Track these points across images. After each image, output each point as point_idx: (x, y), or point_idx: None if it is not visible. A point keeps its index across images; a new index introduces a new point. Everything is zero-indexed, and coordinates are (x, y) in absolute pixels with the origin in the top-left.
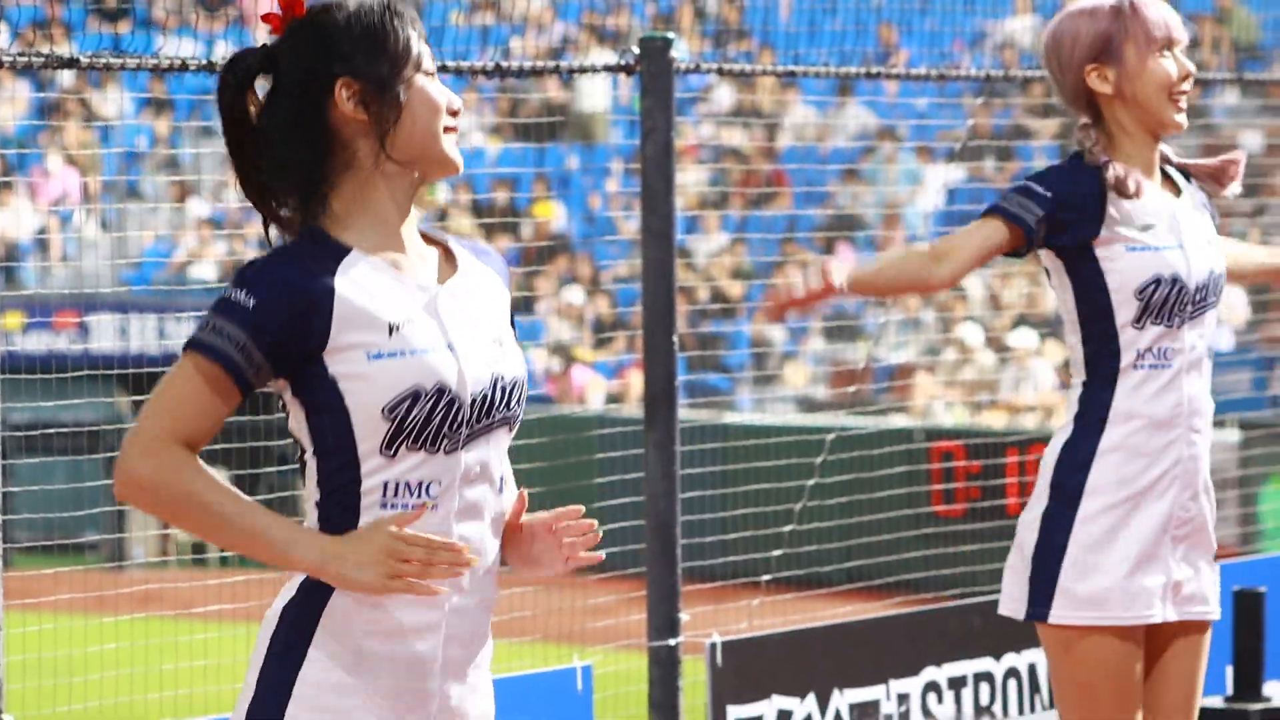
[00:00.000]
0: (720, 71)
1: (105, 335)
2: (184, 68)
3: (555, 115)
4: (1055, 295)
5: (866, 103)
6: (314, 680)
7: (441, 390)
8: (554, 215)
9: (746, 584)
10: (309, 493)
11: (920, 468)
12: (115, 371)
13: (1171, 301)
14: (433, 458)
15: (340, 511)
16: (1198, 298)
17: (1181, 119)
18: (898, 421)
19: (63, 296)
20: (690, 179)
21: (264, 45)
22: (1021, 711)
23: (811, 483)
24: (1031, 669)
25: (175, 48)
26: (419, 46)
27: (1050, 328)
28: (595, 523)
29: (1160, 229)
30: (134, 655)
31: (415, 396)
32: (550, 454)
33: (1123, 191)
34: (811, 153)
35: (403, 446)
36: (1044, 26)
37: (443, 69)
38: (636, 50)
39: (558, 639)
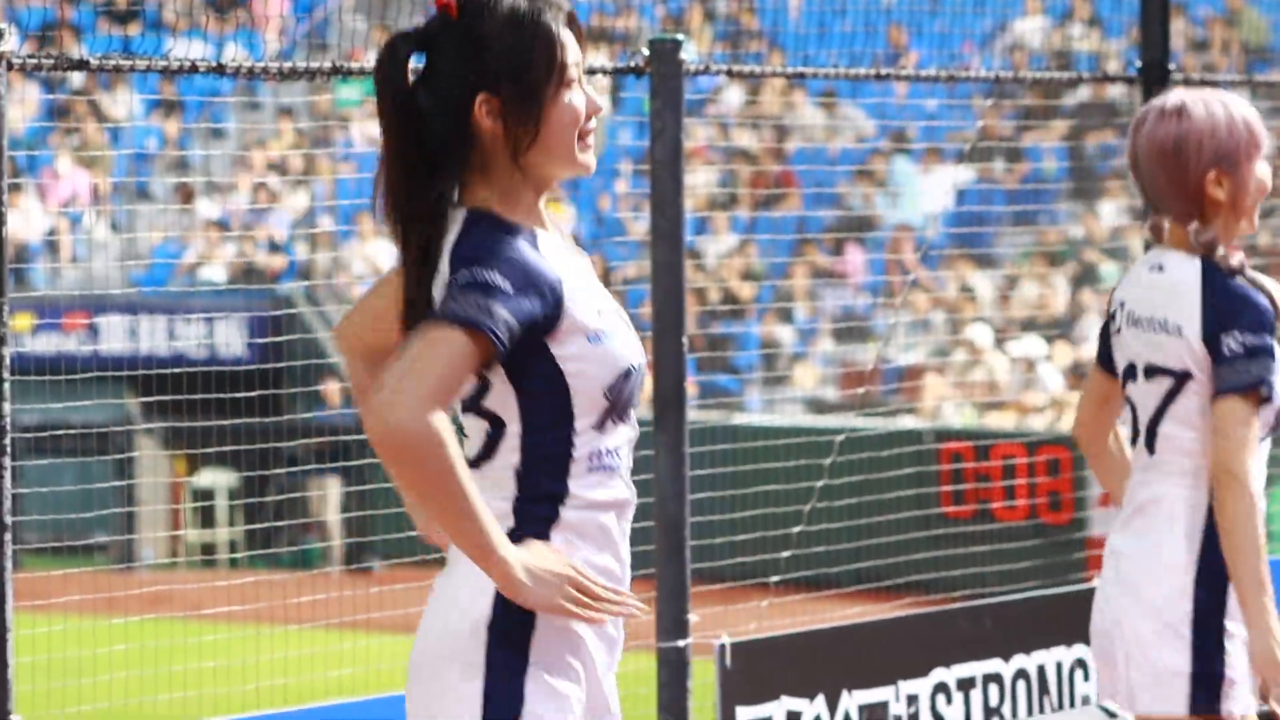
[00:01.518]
0: (729, 73)
1: (115, 336)
2: (194, 70)
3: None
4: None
5: (875, 104)
6: (544, 667)
7: (638, 366)
8: (563, 216)
9: (755, 585)
10: (501, 461)
11: (929, 469)
12: (125, 373)
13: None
14: (624, 426)
15: (548, 479)
16: None
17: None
18: (907, 423)
19: (72, 298)
20: (699, 180)
21: (425, 27)
22: (1030, 713)
23: (821, 484)
24: (1040, 670)
25: (185, 50)
26: (565, 55)
27: (1060, 329)
28: (645, 609)
29: None
30: (143, 656)
31: (627, 375)
32: None
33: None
34: (820, 154)
35: (609, 420)
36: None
37: None
38: (646, 52)
39: None
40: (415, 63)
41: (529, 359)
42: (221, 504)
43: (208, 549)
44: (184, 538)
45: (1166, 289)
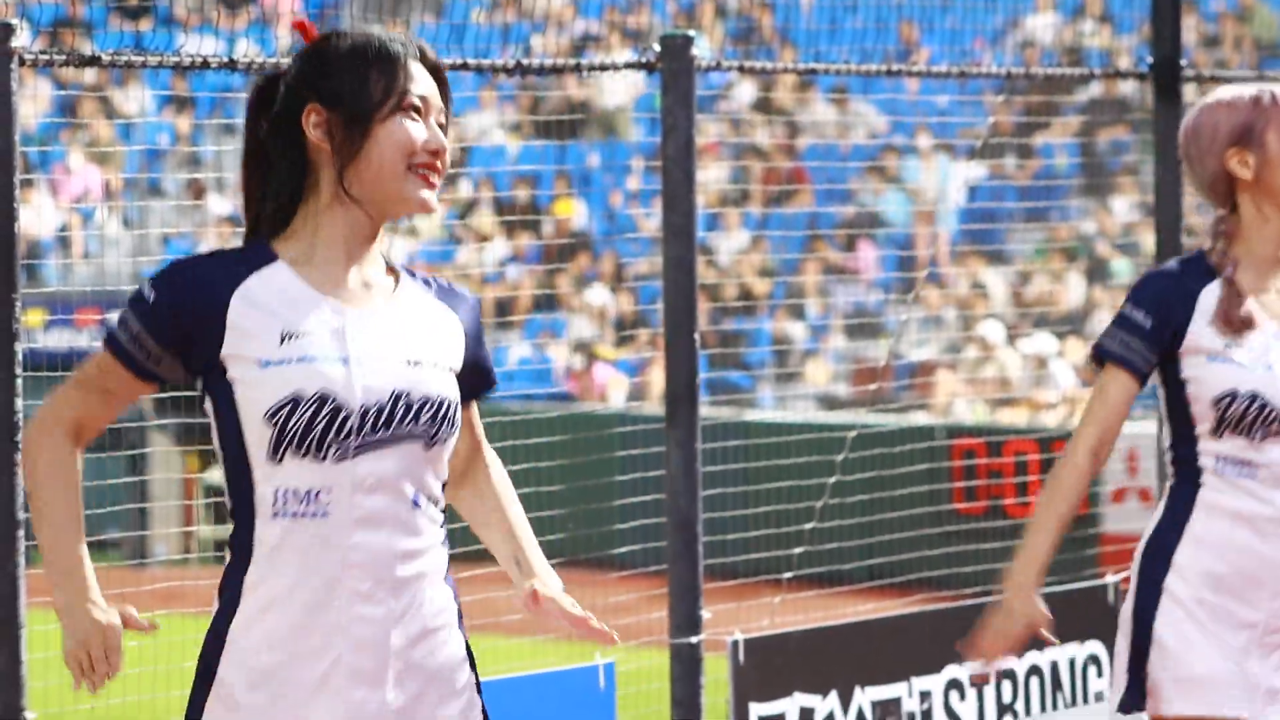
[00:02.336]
0: (741, 69)
1: None
2: (205, 65)
3: (576, 113)
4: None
5: (887, 100)
6: (228, 683)
7: (324, 397)
8: (575, 212)
9: (768, 581)
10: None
11: (941, 465)
12: None
13: (1252, 418)
14: (319, 465)
15: (242, 518)
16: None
17: None
18: (919, 419)
19: (84, 294)
20: (711, 177)
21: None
22: (1044, 709)
23: (833, 480)
24: (1054, 667)
25: (197, 45)
26: (406, 84)
27: (1072, 325)
28: (615, 636)
29: (1249, 346)
30: (156, 653)
31: (295, 402)
32: (572, 451)
33: (1230, 323)
34: (833, 150)
35: (287, 452)
36: (1064, 24)
37: (464, 67)
38: (658, 48)
39: (580, 637)
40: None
41: (213, 379)
42: None
43: (220, 545)
44: (196, 534)
45: None
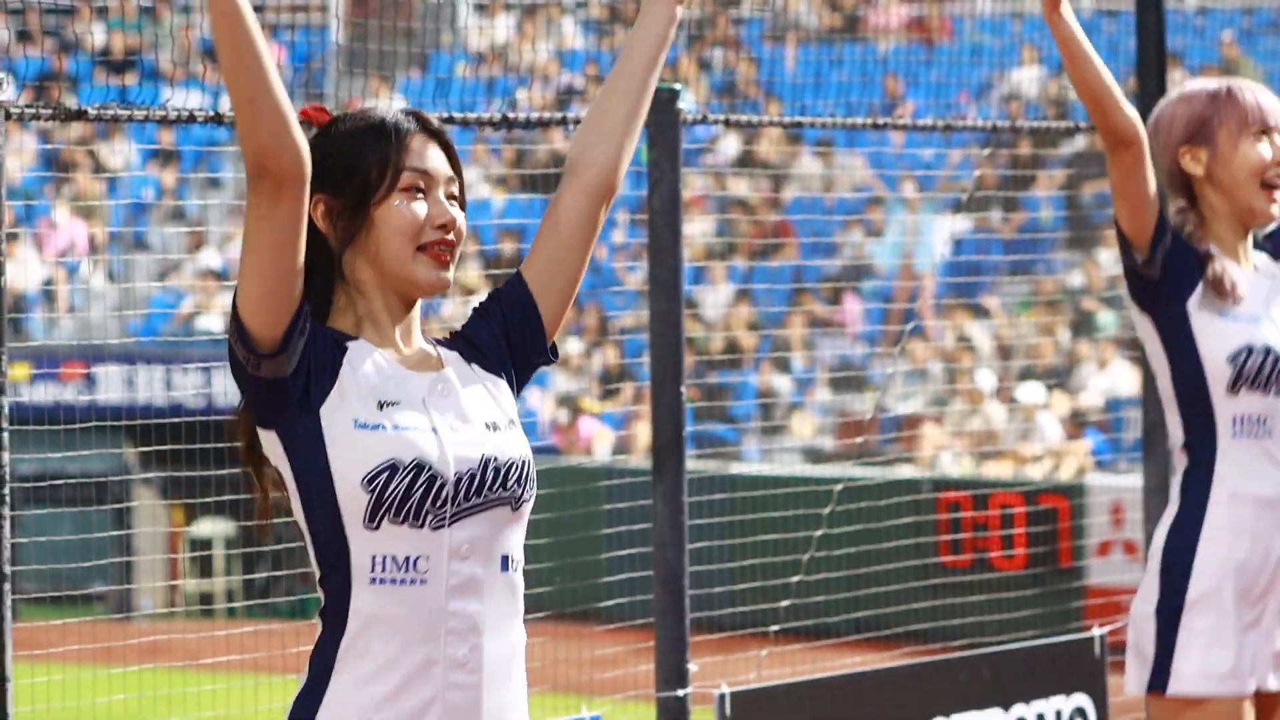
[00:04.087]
0: (727, 123)
1: (112, 386)
2: (191, 119)
3: (561, 166)
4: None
5: (873, 154)
6: None
7: (420, 465)
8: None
9: (755, 634)
10: (313, 569)
11: (927, 518)
12: (123, 422)
13: (1268, 370)
14: (417, 532)
15: (337, 586)
16: None
17: (1274, 209)
18: (905, 472)
19: (70, 347)
20: (696, 230)
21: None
22: None
23: (819, 533)
24: None
25: (182, 99)
26: (405, 161)
27: (1057, 378)
28: None
29: (1249, 303)
30: (141, 707)
31: (393, 469)
32: (558, 505)
33: (1220, 292)
34: (817, 203)
35: (384, 519)
36: (1049, 77)
37: (449, 120)
38: None
39: (566, 689)
40: None
41: (302, 430)
42: (219, 554)
43: (205, 598)
44: (182, 587)
45: None
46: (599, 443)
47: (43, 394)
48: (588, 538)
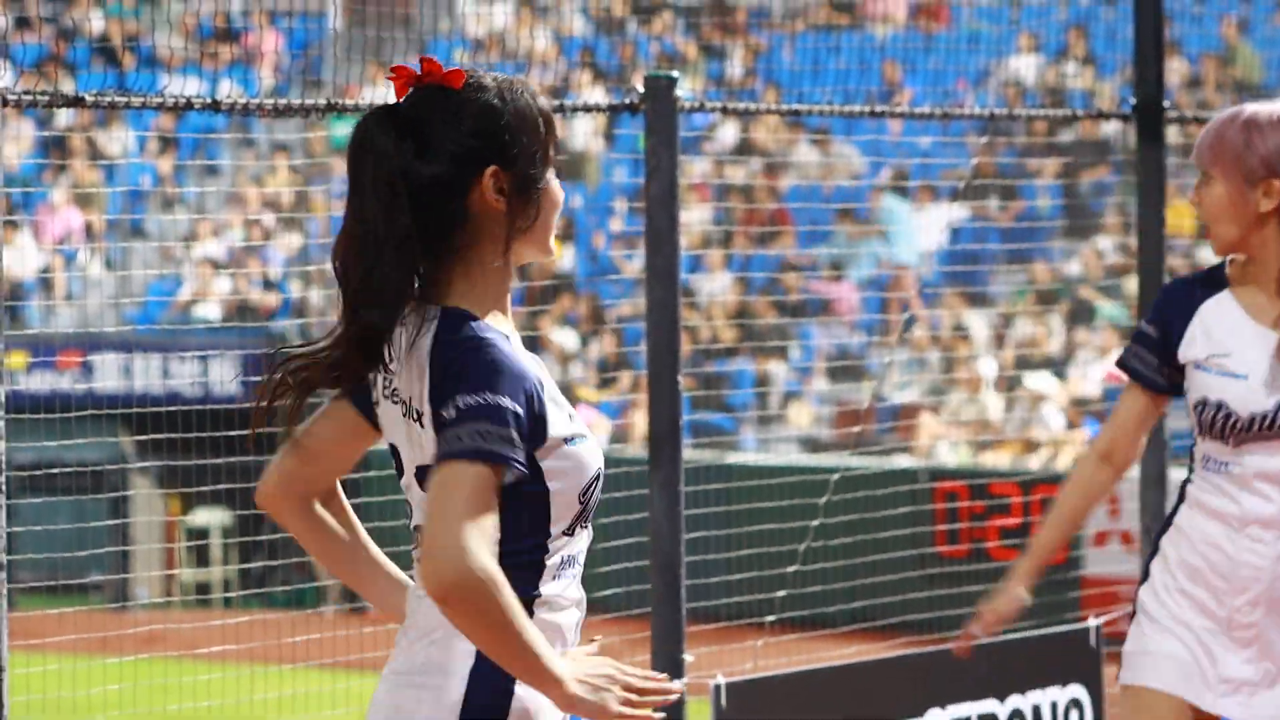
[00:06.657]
0: (724, 110)
1: (109, 375)
2: (189, 106)
3: (559, 154)
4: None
5: (870, 142)
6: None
7: (602, 469)
8: (558, 254)
9: (751, 625)
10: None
11: (924, 508)
12: (119, 411)
13: (1219, 425)
14: (587, 530)
15: (521, 585)
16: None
17: None
18: (902, 462)
19: (66, 336)
20: (694, 218)
21: (412, 99)
22: None
23: (816, 523)
24: (1036, 710)
25: (180, 86)
26: (554, 138)
27: (1054, 368)
28: (678, 693)
29: (1237, 358)
30: (138, 696)
31: (597, 477)
32: None
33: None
34: (815, 191)
35: (578, 525)
36: (1047, 65)
37: None
38: (641, 89)
39: None
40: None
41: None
42: (216, 543)
43: (202, 588)
44: (178, 577)
45: None
46: (595, 432)
47: (39, 382)
48: None
